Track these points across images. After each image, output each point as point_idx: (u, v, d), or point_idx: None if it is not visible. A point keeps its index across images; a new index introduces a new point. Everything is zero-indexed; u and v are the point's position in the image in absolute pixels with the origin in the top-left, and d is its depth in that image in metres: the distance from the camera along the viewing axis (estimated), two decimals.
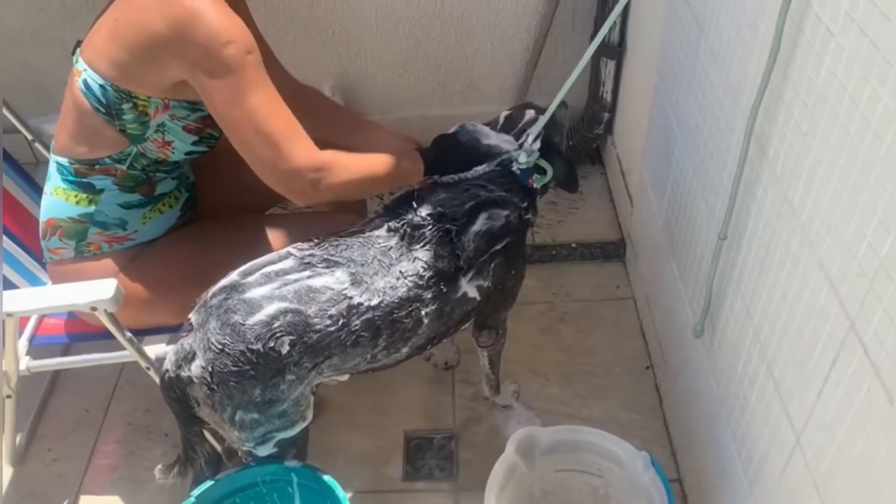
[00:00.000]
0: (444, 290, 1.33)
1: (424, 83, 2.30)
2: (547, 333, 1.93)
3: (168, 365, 1.23)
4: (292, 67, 1.57)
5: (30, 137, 1.70)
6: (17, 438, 1.68)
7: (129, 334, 1.35)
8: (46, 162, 1.43)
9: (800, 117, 0.97)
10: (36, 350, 1.50)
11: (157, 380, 1.35)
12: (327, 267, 1.26)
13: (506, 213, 1.40)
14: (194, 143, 1.37)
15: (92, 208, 1.37)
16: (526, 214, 1.45)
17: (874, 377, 0.82)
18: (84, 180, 1.35)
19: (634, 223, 2.00)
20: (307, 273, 1.25)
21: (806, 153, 0.96)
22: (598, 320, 1.96)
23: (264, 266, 1.25)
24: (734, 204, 1.18)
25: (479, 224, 1.36)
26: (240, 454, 1.33)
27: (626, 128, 2.13)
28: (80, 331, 1.50)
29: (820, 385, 0.95)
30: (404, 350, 1.36)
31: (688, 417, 1.56)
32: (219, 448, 1.47)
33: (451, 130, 1.47)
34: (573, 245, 2.12)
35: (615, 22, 2.02)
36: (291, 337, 1.20)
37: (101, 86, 1.25)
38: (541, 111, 1.48)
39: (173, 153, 1.37)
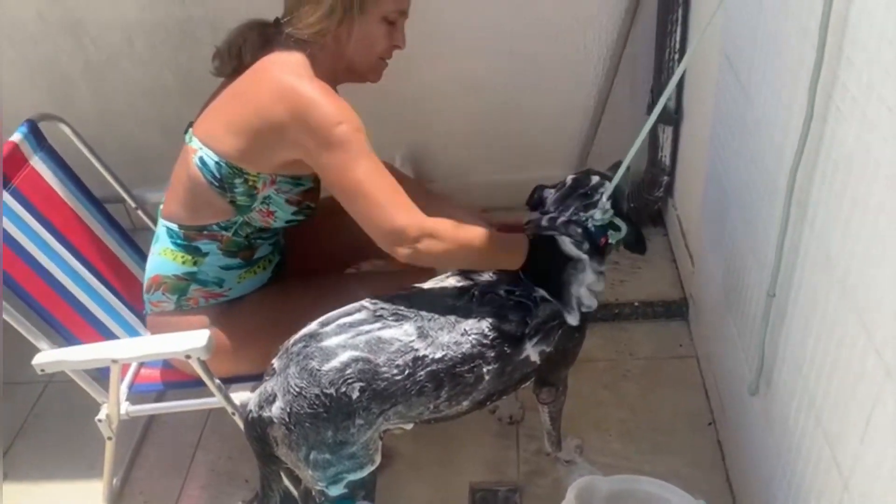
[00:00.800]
0: (508, 351, 1.41)
1: (488, 150, 2.44)
2: (610, 390, 1.98)
3: (251, 406, 1.35)
4: None
5: (133, 205, 1.89)
6: (114, 481, 1.82)
7: (217, 381, 1.48)
8: (144, 227, 1.60)
9: (833, 177, 1.04)
10: (134, 397, 1.64)
11: (241, 423, 1.48)
12: (397, 320, 1.37)
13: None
14: (294, 213, 1.53)
15: (195, 269, 1.53)
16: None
17: None
18: (192, 244, 1.52)
19: (695, 282, 2.05)
20: (378, 325, 1.36)
21: (839, 210, 1.02)
22: (661, 378, 2.00)
23: (340, 318, 1.37)
24: (780, 262, 1.24)
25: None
26: (314, 494, 1.42)
27: (685, 190, 2.20)
28: (174, 379, 1.65)
29: (862, 429, 0.99)
30: (465, 403, 1.44)
31: (747, 472, 1.58)
32: (294, 492, 1.57)
33: (544, 224, 1.52)
34: (636, 304, 2.18)
35: (672, 91, 2.11)
36: (361, 384, 1.31)
37: (216, 163, 1.43)
38: (604, 176, 1.56)
39: (275, 222, 1.52)
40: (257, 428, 1.35)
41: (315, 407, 1.29)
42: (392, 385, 1.33)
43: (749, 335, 1.47)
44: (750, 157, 1.44)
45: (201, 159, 1.44)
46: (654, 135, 2.24)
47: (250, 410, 1.35)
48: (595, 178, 1.57)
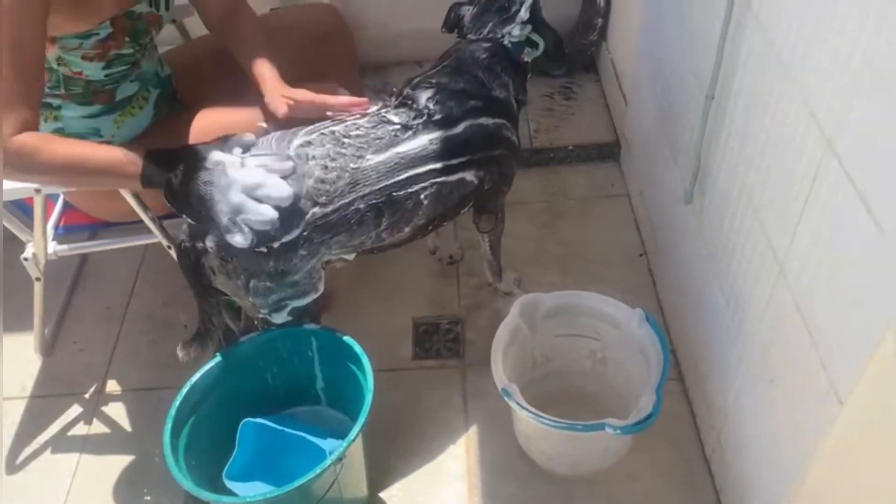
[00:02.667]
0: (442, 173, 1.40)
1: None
2: (546, 228, 2.01)
3: (183, 235, 1.30)
4: None
5: None
6: (45, 331, 1.77)
7: (151, 213, 1.42)
8: None
9: None
10: (61, 238, 1.57)
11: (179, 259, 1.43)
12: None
13: (500, 94, 1.47)
14: (107, 67, 1.37)
15: (61, 124, 1.41)
16: (518, 95, 1.52)
17: (848, 184, 0.89)
18: (44, 101, 1.34)
19: (628, 121, 2.07)
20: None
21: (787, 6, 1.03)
22: (594, 215, 2.04)
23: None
24: (721, 60, 1.25)
25: (480, 123, 1.43)
26: (256, 322, 1.41)
27: (621, 32, 2.18)
28: (101, 220, 1.58)
29: (801, 207, 1.03)
30: (406, 230, 1.43)
31: (679, 288, 1.65)
32: (235, 328, 1.56)
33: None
34: (570, 147, 2.19)
35: None
36: None
37: None
38: None
39: (93, 77, 1.37)
40: (191, 257, 1.30)
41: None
42: (332, 214, 1.30)
43: (685, 148, 1.50)
44: None
45: None
46: None
47: (182, 240, 1.30)
48: None
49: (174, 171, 1.25)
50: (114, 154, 1.26)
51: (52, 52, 1.31)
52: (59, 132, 1.42)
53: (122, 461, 1.61)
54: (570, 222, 2.03)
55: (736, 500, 1.38)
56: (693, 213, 1.49)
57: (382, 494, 1.53)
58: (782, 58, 1.05)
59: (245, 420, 1.32)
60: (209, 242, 1.27)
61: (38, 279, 1.56)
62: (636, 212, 2.02)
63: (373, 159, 1.33)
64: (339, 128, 1.34)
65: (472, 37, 1.53)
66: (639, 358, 1.45)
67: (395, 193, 1.35)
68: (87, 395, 1.72)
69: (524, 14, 1.48)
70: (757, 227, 1.19)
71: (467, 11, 1.56)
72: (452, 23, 1.58)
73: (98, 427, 1.67)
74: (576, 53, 2.36)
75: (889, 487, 0.89)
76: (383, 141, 1.35)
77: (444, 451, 1.58)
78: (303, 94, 1.38)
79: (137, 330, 1.84)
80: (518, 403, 1.32)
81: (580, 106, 2.33)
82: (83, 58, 1.34)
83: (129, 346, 1.81)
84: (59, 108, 1.40)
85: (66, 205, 1.60)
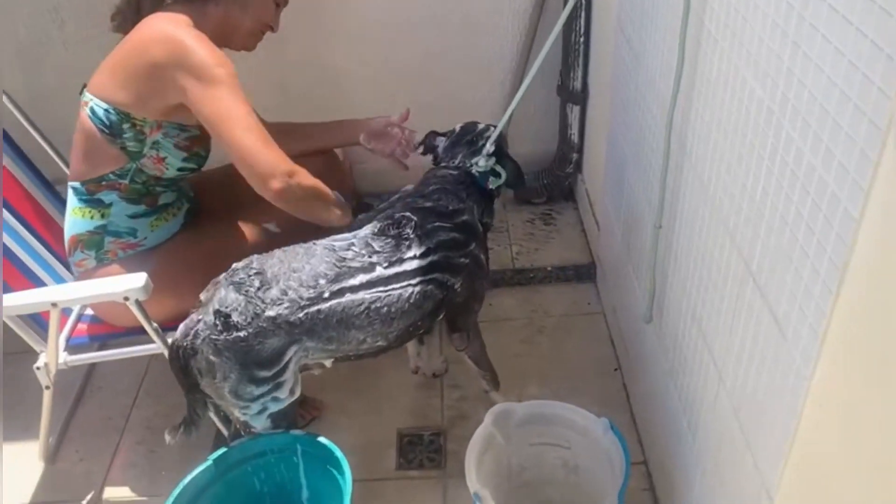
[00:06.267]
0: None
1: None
2: (526, 343, 2.14)
3: (177, 335, 1.44)
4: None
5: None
6: (49, 440, 1.86)
7: (154, 324, 1.56)
8: None
9: (702, 108, 1.22)
10: (71, 348, 1.70)
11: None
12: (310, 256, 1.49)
13: (466, 217, 1.62)
14: (185, 160, 1.63)
15: (104, 221, 1.62)
16: (483, 218, 1.68)
17: (762, 301, 1.03)
18: (94, 197, 1.61)
19: (601, 245, 2.23)
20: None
21: (708, 136, 1.20)
22: (572, 332, 2.17)
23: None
24: (664, 194, 1.42)
25: (446, 232, 1.58)
26: (238, 426, 1.52)
27: (592, 164, 2.39)
28: (107, 332, 1.72)
29: (730, 321, 1.16)
30: (381, 342, 1.54)
31: (648, 401, 1.76)
32: (224, 431, 1.66)
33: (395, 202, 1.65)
34: (549, 268, 2.35)
35: (578, 70, 2.31)
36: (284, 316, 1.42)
37: (105, 110, 1.54)
38: (488, 126, 1.75)
39: (167, 170, 1.62)
40: (181, 358, 1.43)
41: (242, 336, 1.39)
42: (307, 319, 1.43)
43: (643, 270, 1.64)
44: (640, 113, 1.63)
45: (92, 110, 1.54)
46: (563, 114, 2.43)
47: (175, 340, 1.44)
48: (481, 126, 1.75)
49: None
50: (339, 203, 1.65)
51: (154, 135, 1.56)
52: (101, 229, 1.62)
53: None
54: (550, 338, 2.16)
55: None
56: (654, 330, 1.62)
57: None
58: (708, 190, 1.22)
59: None
60: (199, 342, 1.41)
61: (47, 387, 1.68)
62: (611, 328, 2.14)
63: (356, 278, 1.47)
64: (339, 244, 1.51)
65: (443, 165, 1.73)
66: (606, 465, 1.53)
67: (373, 304, 1.48)
68: (84, 503, 1.80)
69: (489, 147, 1.67)
70: (701, 342, 1.31)
71: (441, 142, 1.77)
72: (427, 148, 1.80)
73: None
74: (554, 184, 2.57)
75: None
76: (364, 260, 1.50)
77: None
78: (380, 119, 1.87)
79: (136, 440, 1.94)
80: None
81: (559, 230, 2.51)
82: (175, 146, 1.60)
83: (127, 456, 1.91)
84: (109, 205, 1.61)
85: (77, 318, 1.75)
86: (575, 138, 2.44)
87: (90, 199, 1.61)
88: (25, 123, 1.86)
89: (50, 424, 1.80)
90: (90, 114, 1.55)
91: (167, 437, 1.52)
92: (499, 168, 1.68)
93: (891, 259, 0.73)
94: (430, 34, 2.42)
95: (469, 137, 1.73)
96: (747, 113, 1.04)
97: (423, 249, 1.54)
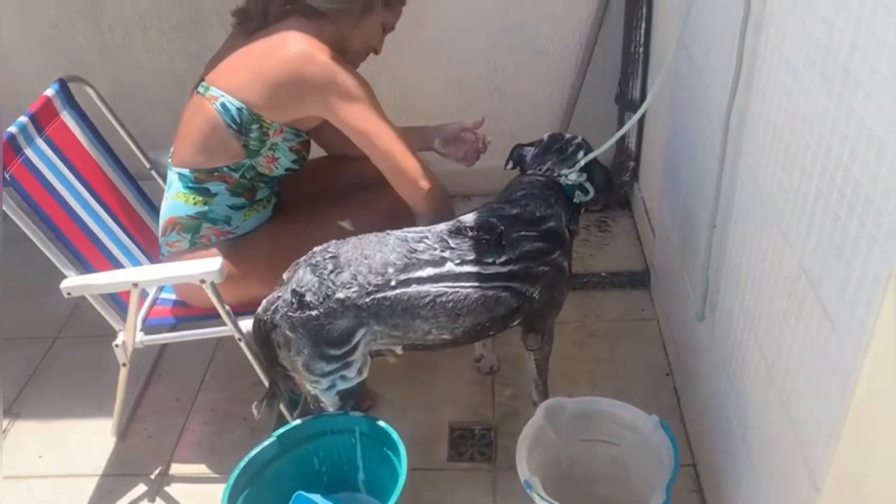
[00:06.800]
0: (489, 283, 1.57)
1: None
2: (579, 347, 2.17)
3: (260, 309, 1.54)
4: None
5: (147, 166, 2.07)
6: (121, 418, 1.98)
7: (227, 307, 1.65)
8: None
9: (759, 113, 1.26)
10: (148, 329, 1.81)
11: (246, 349, 1.66)
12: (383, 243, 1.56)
13: (553, 224, 1.65)
14: (293, 161, 1.75)
15: (206, 208, 1.72)
16: (570, 225, 1.71)
17: (813, 296, 1.06)
18: (202, 186, 1.71)
19: (656, 252, 2.26)
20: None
21: (763, 138, 1.24)
22: (625, 336, 2.20)
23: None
24: (719, 194, 1.45)
25: (530, 242, 1.61)
26: (309, 399, 1.60)
27: (649, 172, 2.42)
28: (183, 314, 1.82)
29: (781, 317, 1.19)
30: (446, 336, 1.59)
31: (697, 402, 1.78)
32: (289, 417, 1.75)
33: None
34: (603, 274, 2.39)
35: (637, 80, 2.35)
36: (359, 297, 1.49)
37: (238, 108, 1.63)
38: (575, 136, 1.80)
39: (276, 169, 1.73)
40: (263, 330, 1.53)
41: (314, 315, 1.47)
42: (385, 302, 1.50)
43: (696, 270, 1.67)
44: (697, 119, 1.67)
45: (223, 105, 1.63)
46: (620, 122, 2.47)
47: (258, 314, 1.53)
48: (568, 135, 1.78)
49: None
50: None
51: (275, 138, 1.68)
52: (201, 215, 1.74)
53: None
54: (602, 341, 2.19)
55: None
56: (706, 329, 1.65)
57: None
58: (762, 190, 1.25)
59: (298, 493, 1.48)
60: (279, 317, 1.50)
61: (124, 364, 1.78)
62: (664, 335, 2.16)
63: (424, 271, 1.54)
64: (412, 235, 1.58)
65: (530, 172, 1.76)
66: (656, 462, 1.56)
67: (438, 298, 1.54)
68: (152, 476, 1.90)
69: (582, 164, 1.71)
70: (752, 340, 1.34)
71: (529, 151, 1.80)
72: (515, 161, 1.83)
73: None
74: (611, 191, 2.59)
75: None
76: (435, 254, 1.56)
77: None
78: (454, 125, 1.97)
79: (202, 421, 2.04)
80: (539, 495, 1.45)
81: (614, 237, 2.55)
82: (290, 149, 1.73)
83: (193, 435, 2.01)
84: (215, 195, 1.73)
85: (154, 300, 1.86)
86: (632, 147, 2.47)
87: (197, 187, 1.71)
88: (111, 118, 1.99)
89: (124, 401, 1.91)
90: (220, 109, 1.64)
91: (254, 411, 1.61)
92: (587, 185, 1.71)
93: None
94: (493, 45, 2.49)
95: (558, 146, 1.76)
96: (804, 114, 1.08)
97: (504, 258, 1.58)
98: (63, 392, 2.17)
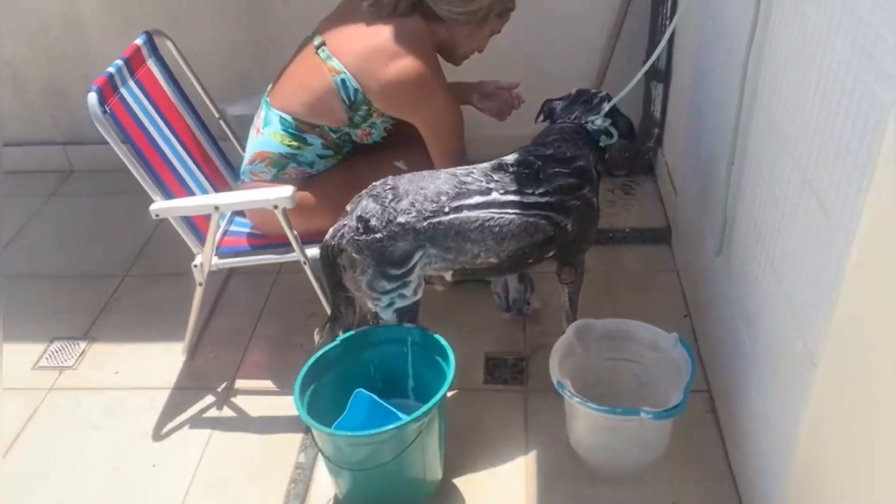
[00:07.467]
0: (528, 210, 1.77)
1: None
2: (604, 292, 2.35)
3: (327, 236, 1.74)
4: None
5: (216, 114, 2.30)
6: (193, 336, 2.20)
7: (295, 233, 1.86)
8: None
9: (774, 54, 1.45)
10: (220, 254, 2.03)
11: (310, 273, 1.87)
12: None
13: (582, 163, 1.85)
14: (382, 137, 2.00)
15: (297, 152, 1.95)
16: (597, 165, 1.91)
17: (816, 201, 1.25)
18: (301, 134, 1.93)
19: (678, 208, 2.45)
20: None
21: (781, 80, 1.42)
22: (647, 285, 2.38)
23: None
24: (736, 133, 1.64)
25: (564, 178, 1.81)
26: (369, 318, 1.80)
27: (673, 137, 2.61)
28: (254, 243, 2.04)
29: (787, 227, 1.38)
30: (493, 259, 1.78)
31: (712, 335, 1.96)
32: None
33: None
34: (627, 230, 2.58)
35: (663, 50, 2.53)
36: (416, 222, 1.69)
37: (355, 90, 1.86)
38: (600, 90, 1.99)
39: (367, 139, 1.98)
40: (330, 255, 1.73)
41: (378, 238, 1.68)
42: (439, 227, 1.70)
43: (715, 210, 1.86)
44: (718, 76, 1.85)
45: (343, 81, 1.86)
46: (647, 91, 2.66)
47: (325, 240, 1.74)
48: (594, 90, 1.98)
49: None
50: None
51: (376, 119, 1.94)
52: (291, 157, 1.96)
53: (245, 438, 1.99)
54: (626, 288, 2.37)
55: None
56: (723, 263, 1.83)
57: (454, 480, 1.83)
58: (775, 123, 1.44)
59: (358, 390, 1.68)
60: (344, 241, 1.70)
61: (200, 284, 2.00)
62: (683, 282, 2.35)
63: (473, 199, 1.74)
64: (460, 171, 1.78)
65: (560, 121, 1.96)
66: (675, 375, 1.74)
67: (486, 222, 1.73)
68: (219, 390, 2.12)
69: (605, 109, 1.92)
70: (765, 259, 1.52)
71: (558, 104, 2.01)
72: (546, 114, 2.03)
73: (227, 412, 2.06)
74: (636, 157, 2.79)
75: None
76: (482, 185, 1.76)
77: (507, 455, 1.88)
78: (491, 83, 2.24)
79: (262, 346, 2.26)
80: (569, 392, 1.64)
81: (638, 199, 2.74)
82: (384, 128, 2.00)
83: (254, 357, 2.22)
84: (310, 145, 1.95)
85: (224, 231, 2.08)
86: (657, 114, 2.66)
87: (296, 134, 1.93)
88: (186, 70, 2.21)
89: (198, 319, 2.13)
90: (339, 84, 1.86)
91: (316, 336, 1.82)
92: (611, 129, 1.91)
93: None
94: (525, 23, 2.68)
95: (584, 98, 1.98)
96: (816, 51, 1.27)
97: (542, 190, 1.78)
98: (133, 322, 2.39)
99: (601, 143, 1.93)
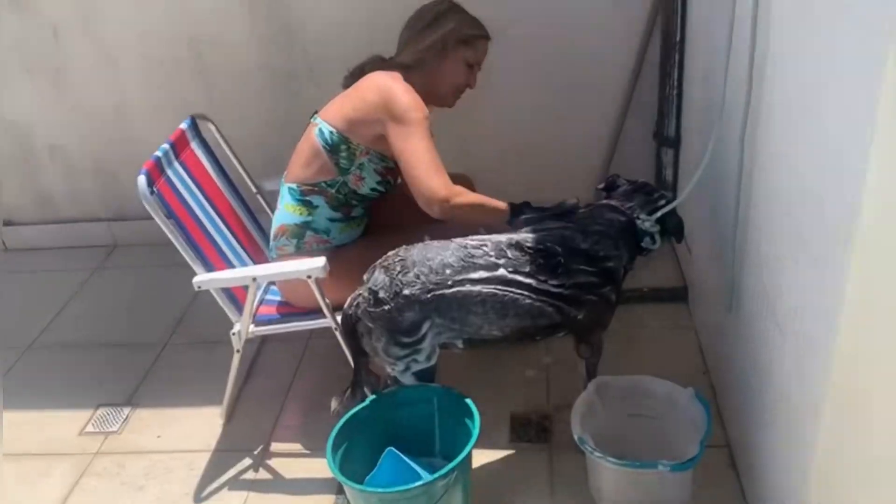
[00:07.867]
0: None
1: (518, 174, 2.93)
2: (623, 348, 2.41)
3: (346, 305, 1.86)
4: None
5: (254, 189, 2.46)
6: (231, 401, 2.31)
7: (327, 301, 1.99)
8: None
9: (774, 120, 1.57)
10: (257, 322, 2.15)
11: (341, 339, 1.98)
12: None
13: (613, 265, 1.91)
14: (378, 183, 2.09)
15: (310, 218, 2.08)
16: (627, 265, 1.97)
17: (802, 243, 1.34)
18: (306, 198, 2.07)
19: (693, 268, 2.54)
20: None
21: (777, 144, 1.54)
22: (665, 342, 2.46)
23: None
24: (738, 200, 1.75)
25: (586, 276, 1.86)
26: (389, 382, 1.90)
27: (685, 200, 2.71)
28: (286, 312, 2.17)
29: (781, 266, 1.47)
30: (498, 333, 1.86)
31: (730, 389, 2.03)
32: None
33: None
34: (645, 289, 2.66)
35: (671, 118, 2.67)
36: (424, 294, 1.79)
37: (329, 132, 2.01)
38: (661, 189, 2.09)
39: (363, 187, 2.08)
40: (349, 322, 1.84)
41: (387, 309, 1.78)
42: (434, 300, 1.78)
43: (724, 267, 1.95)
44: (722, 147, 1.97)
45: (320, 130, 2.03)
46: (657, 156, 2.78)
47: (344, 309, 1.86)
48: (658, 189, 2.06)
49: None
50: (490, 199, 2.02)
51: (361, 158, 2.04)
52: (305, 224, 2.08)
53: (281, 499, 2.07)
54: (644, 345, 2.45)
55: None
56: (733, 319, 1.92)
57: None
58: (778, 192, 1.55)
59: (389, 448, 1.77)
60: (360, 310, 1.81)
61: (238, 351, 2.12)
62: (701, 340, 2.42)
63: (477, 273, 1.81)
64: (472, 242, 1.86)
65: (615, 203, 1.99)
66: (692, 429, 1.81)
67: (488, 298, 1.80)
68: (255, 452, 2.22)
69: (657, 215, 1.97)
70: (766, 306, 1.61)
71: (623, 184, 2.08)
72: (608, 186, 2.10)
73: (263, 474, 2.15)
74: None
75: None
76: (490, 259, 1.82)
77: None
78: None
79: (294, 408, 2.36)
80: (590, 447, 1.71)
81: (654, 260, 2.81)
82: (375, 171, 2.06)
83: (288, 419, 2.33)
84: (316, 207, 2.08)
85: (261, 300, 2.21)
86: (669, 178, 2.77)
87: (302, 200, 2.08)
88: (227, 150, 2.39)
89: (235, 384, 2.25)
90: (318, 133, 2.04)
91: (333, 404, 1.90)
92: (658, 238, 1.97)
93: None
94: (544, 89, 2.85)
95: (648, 189, 2.04)
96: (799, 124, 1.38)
97: (556, 282, 1.83)
98: (174, 388, 2.51)
99: (643, 245, 1.98)
